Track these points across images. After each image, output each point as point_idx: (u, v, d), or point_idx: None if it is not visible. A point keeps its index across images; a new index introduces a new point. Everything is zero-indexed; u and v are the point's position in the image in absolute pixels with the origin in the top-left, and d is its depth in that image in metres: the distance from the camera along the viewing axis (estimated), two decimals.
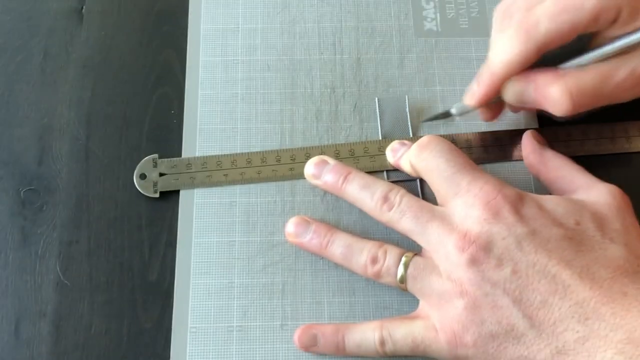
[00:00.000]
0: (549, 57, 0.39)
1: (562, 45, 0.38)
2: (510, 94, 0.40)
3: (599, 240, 0.36)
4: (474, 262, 0.36)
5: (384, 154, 0.44)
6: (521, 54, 0.38)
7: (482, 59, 0.43)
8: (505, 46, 0.39)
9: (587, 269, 0.34)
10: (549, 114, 0.40)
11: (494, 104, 0.42)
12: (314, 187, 0.44)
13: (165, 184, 0.43)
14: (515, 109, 0.44)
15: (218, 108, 0.46)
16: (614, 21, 0.37)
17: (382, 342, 0.38)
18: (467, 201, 0.37)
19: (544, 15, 0.37)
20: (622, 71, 0.38)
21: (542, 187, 0.42)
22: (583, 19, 0.37)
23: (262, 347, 0.40)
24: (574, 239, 0.36)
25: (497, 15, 0.41)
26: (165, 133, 0.45)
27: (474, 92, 0.41)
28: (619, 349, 0.32)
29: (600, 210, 0.37)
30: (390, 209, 0.39)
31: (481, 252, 0.35)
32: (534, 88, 0.39)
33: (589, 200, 0.38)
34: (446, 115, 0.45)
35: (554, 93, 0.38)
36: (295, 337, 0.40)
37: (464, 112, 0.44)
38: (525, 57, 0.39)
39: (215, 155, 0.44)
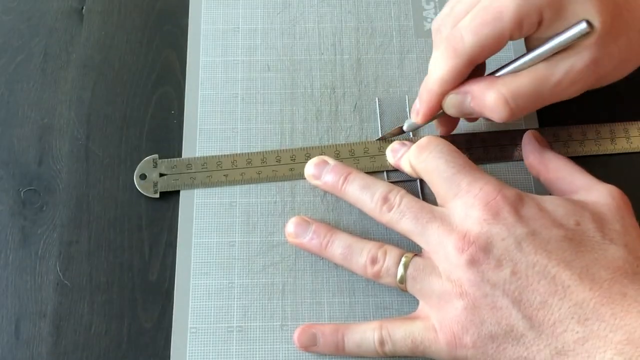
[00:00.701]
0: None
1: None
2: (450, 107, 0.40)
3: (599, 241, 0.36)
4: (473, 262, 0.36)
5: (384, 154, 0.44)
6: (452, 70, 0.39)
7: None
8: (437, 63, 0.39)
9: (586, 270, 0.35)
10: (492, 121, 0.40)
11: (446, 118, 0.42)
12: (314, 188, 0.44)
13: (166, 184, 0.43)
14: (470, 119, 0.45)
15: (218, 108, 0.46)
16: (539, 24, 0.37)
17: (382, 343, 0.38)
18: (466, 202, 0.37)
19: (466, 30, 0.38)
20: (558, 71, 0.38)
21: (543, 188, 0.42)
22: (505, 29, 0.37)
23: (262, 347, 0.40)
24: (574, 240, 0.36)
25: (432, 31, 0.41)
26: (165, 133, 0.45)
27: (418, 110, 0.42)
28: (619, 349, 0.32)
29: (600, 211, 0.37)
30: (390, 209, 0.39)
31: (481, 252, 0.36)
32: (471, 98, 0.39)
33: (589, 201, 0.38)
34: (400, 132, 0.44)
35: (489, 101, 0.38)
36: (295, 336, 0.40)
37: (414, 128, 0.44)
38: (456, 73, 0.39)
39: (216, 156, 0.44)
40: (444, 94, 0.40)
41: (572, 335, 0.34)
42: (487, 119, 0.43)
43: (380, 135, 0.45)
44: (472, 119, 0.45)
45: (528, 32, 0.37)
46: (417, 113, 0.42)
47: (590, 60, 0.37)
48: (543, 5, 0.36)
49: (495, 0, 0.37)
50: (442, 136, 0.44)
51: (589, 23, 0.36)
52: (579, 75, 0.38)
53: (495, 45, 0.38)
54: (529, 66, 0.38)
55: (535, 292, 0.35)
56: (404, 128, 0.44)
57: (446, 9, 0.40)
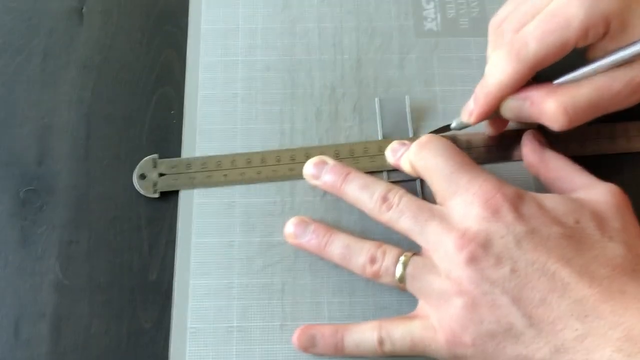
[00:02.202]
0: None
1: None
2: (507, 111, 0.41)
3: (598, 239, 0.36)
4: (472, 260, 0.35)
5: (384, 154, 0.44)
6: (513, 76, 0.39)
7: (482, 59, 0.43)
8: (498, 67, 0.39)
9: (586, 267, 0.34)
10: (548, 129, 0.40)
11: (497, 119, 0.42)
12: (314, 188, 0.44)
13: (165, 184, 0.43)
14: (519, 122, 0.45)
15: (218, 108, 0.46)
16: (604, 34, 0.37)
17: (381, 342, 0.38)
18: (466, 199, 0.37)
19: (532, 37, 0.38)
20: (618, 83, 0.38)
21: (543, 188, 0.42)
22: (571, 38, 0.37)
23: (261, 348, 0.40)
24: (573, 238, 0.35)
25: (491, 31, 0.41)
26: (165, 133, 0.45)
27: (472, 111, 0.42)
28: (618, 346, 0.32)
29: (599, 209, 0.37)
30: (389, 209, 0.39)
31: (480, 250, 0.35)
32: (530, 105, 0.39)
33: (588, 199, 0.38)
34: (446, 128, 0.44)
35: (549, 109, 0.38)
36: (294, 337, 0.40)
37: (463, 127, 0.44)
38: (517, 78, 0.39)
39: (215, 156, 0.44)
40: (501, 98, 0.40)
41: (571, 332, 0.33)
42: (544, 126, 0.43)
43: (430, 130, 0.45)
44: (525, 123, 0.44)
45: (593, 41, 0.37)
46: (470, 114, 0.42)
47: None
48: (611, 16, 0.36)
49: (562, 7, 0.37)
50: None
51: None
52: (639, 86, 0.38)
53: (558, 54, 0.38)
54: (589, 76, 0.38)
55: (535, 290, 0.34)
56: (452, 126, 0.44)
57: (509, 7, 0.40)
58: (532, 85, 0.40)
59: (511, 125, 0.45)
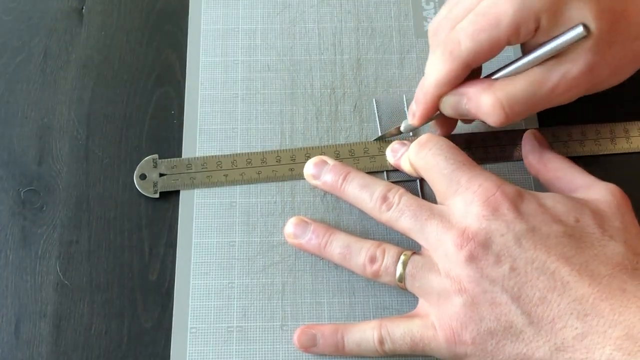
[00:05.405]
0: None
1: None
2: (446, 108, 0.41)
3: (598, 238, 0.36)
4: (472, 258, 0.35)
5: (384, 154, 0.44)
6: (449, 74, 0.39)
7: None
8: (434, 66, 0.39)
9: (586, 266, 0.34)
10: (487, 124, 0.40)
11: (444, 119, 0.42)
12: (314, 188, 0.44)
13: (165, 184, 0.43)
14: (467, 121, 0.45)
15: (218, 108, 0.46)
16: (536, 30, 0.37)
17: (381, 341, 0.38)
18: (466, 198, 0.37)
19: (464, 35, 0.38)
20: (554, 76, 0.38)
21: (542, 188, 0.42)
22: (502, 35, 0.37)
23: (262, 348, 0.40)
24: (573, 236, 0.35)
25: (429, 33, 0.41)
26: (165, 133, 0.45)
27: (414, 112, 0.42)
28: (618, 345, 0.32)
29: (600, 208, 0.37)
30: (389, 208, 0.39)
31: (480, 248, 0.35)
32: (467, 100, 0.39)
33: (589, 199, 0.38)
34: (398, 132, 0.44)
35: (485, 104, 0.38)
36: (295, 337, 0.40)
37: (411, 130, 0.44)
38: (453, 76, 0.39)
39: (215, 156, 0.44)
40: (439, 97, 0.40)
41: (571, 331, 0.34)
42: (482, 122, 0.43)
43: (378, 135, 0.45)
44: (467, 120, 0.45)
45: (525, 38, 0.37)
46: (413, 115, 0.42)
47: (585, 66, 0.37)
48: (540, 12, 0.36)
49: (493, 5, 0.37)
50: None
51: (585, 27, 0.36)
52: (574, 81, 0.38)
53: (492, 50, 0.38)
54: (526, 69, 0.38)
55: (535, 288, 0.35)
56: (401, 129, 0.44)
57: (443, 11, 0.40)
58: (470, 81, 0.40)
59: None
